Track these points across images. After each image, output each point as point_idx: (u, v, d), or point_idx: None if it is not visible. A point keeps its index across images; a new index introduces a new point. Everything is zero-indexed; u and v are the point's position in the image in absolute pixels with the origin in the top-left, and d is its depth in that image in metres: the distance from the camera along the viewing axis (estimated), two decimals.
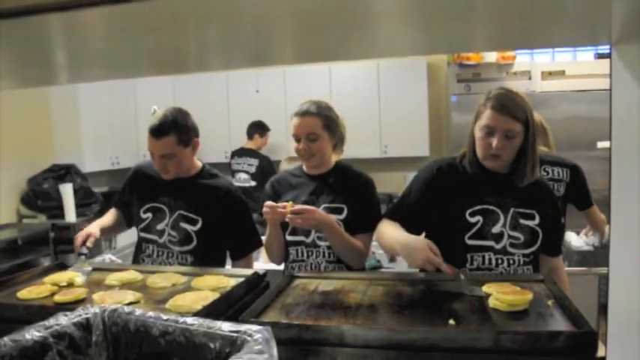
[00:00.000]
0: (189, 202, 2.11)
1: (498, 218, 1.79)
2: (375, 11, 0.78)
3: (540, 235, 1.81)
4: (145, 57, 1.15)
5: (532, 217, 1.81)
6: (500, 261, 1.78)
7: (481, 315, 1.35)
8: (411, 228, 1.81)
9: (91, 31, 0.84)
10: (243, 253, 2.19)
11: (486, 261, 1.78)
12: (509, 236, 1.78)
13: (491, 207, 1.80)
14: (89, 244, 2.03)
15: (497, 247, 1.78)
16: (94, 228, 2.13)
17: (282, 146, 5.57)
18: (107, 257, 2.69)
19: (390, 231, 1.83)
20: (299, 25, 0.87)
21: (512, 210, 1.80)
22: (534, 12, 0.79)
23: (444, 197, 1.85)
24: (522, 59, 4.98)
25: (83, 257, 1.98)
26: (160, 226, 2.11)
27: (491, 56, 4.88)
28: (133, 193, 2.24)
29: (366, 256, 2.13)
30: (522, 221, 1.80)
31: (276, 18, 0.79)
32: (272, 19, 0.81)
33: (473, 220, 1.79)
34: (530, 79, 4.90)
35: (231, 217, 2.15)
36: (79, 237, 2.05)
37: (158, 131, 2.03)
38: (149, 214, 2.13)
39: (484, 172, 1.85)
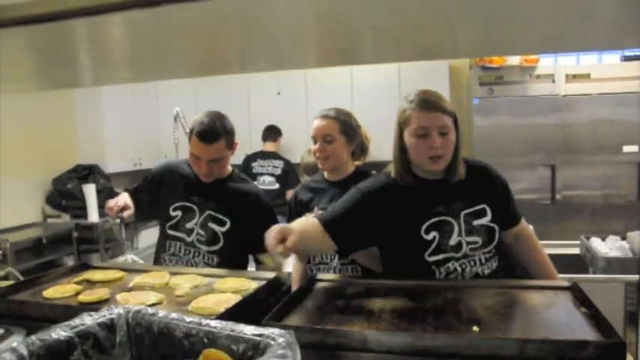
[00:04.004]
0: (219, 204, 2.15)
1: (453, 228, 1.74)
2: (398, 15, 0.77)
3: (496, 229, 1.78)
4: (169, 60, 1.16)
5: (484, 214, 1.77)
6: (464, 266, 1.74)
7: (506, 322, 1.33)
8: (344, 242, 1.76)
9: (118, 35, 0.85)
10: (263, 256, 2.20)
11: (451, 269, 1.74)
12: (467, 242, 1.75)
13: (443, 217, 1.75)
14: (126, 215, 2.07)
15: (458, 255, 1.74)
16: (128, 199, 2.17)
17: (303, 148, 5.56)
18: (129, 257, 2.71)
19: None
20: (323, 29, 0.86)
21: (462, 214, 1.75)
22: (561, 16, 0.78)
23: (391, 216, 1.77)
24: (546, 62, 4.89)
25: (118, 221, 2.03)
26: (189, 225, 2.13)
27: (515, 59, 4.81)
28: (162, 189, 2.26)
29: None
30: (475, 222, 1.76)
31: (300, 21, 0.79)
32: (296, 23, 0.80)
33: (429, 237, 1.74)
34: (553, 82, 4.81)
35: (259, 222, 2.13)
36: (115, 207, 2.07)
37: (210, 137, 2.06)
38: (179, 212, 2.16)
39: (422, 183, 1.79)
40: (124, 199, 2.14)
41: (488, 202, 1.79)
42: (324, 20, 0.79)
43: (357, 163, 2.23)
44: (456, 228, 1.75)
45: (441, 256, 1.74)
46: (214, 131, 2.06)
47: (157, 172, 2.31)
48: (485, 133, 4.84)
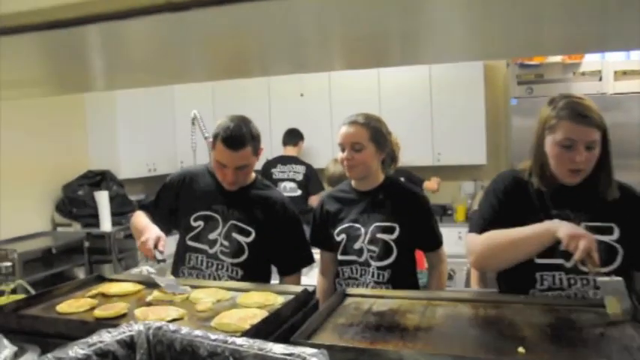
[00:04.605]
0: (244, 213, 2.14)
1: None
2: (430, 15, 0.76)
3: (620, 252, 1.72)
4: (189, 64, 1.17)
5: (609, 232, 1.74)
6: (572, 281, 1.71)
7: (554, 343, 1.30)
8: None
9: (138, 39, 0.85)
10: (293, 269, 2.21)
11: (557, 281, 1.72)
12: None
13: None
14: (161, 247, 1.97)
15: (568, 265, 1.71)
16: (157, 229, 2.07)
17: (326, 153, 5.57)
18: (145, 269, 2.73)
19: (501, 232, 1.76)
20: (350, 32, 0.86)
21: (583, 225, 1.71)
22: (608, 12, 0.76)
23: (515, 212, 1.79)
24: (592, 58, 4.79)
25: (163, 264, 1.91)
26: (212, 236, 2.12)
27: (556, 55, 4.75)
28: (180, 198, 2.25)
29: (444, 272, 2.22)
30: (598, 237, 1.71)
31: (325, 24, 0.79)
32: (321, 25, 0.80)
33: None
34: (600, 79, 4.72)
35: (285, 232, 2.18)
36: (149, 241, 1.96)
37: (237, 143, 2.04)
38: (200, 223, 2.15)
39: (555, 186, 1.79)
40: (152, 232, 2.03)
41: (619, 222, 1.75)
42: (350, 21, 0.78)
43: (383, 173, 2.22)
44: None
45: (551, 261, 1.72)
46: (241, 137, 2.04)
47: (175, 181, 2.29)
48: (523, 135, 4.75)
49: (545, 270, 1.73)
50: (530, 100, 4.85)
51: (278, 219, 2.16)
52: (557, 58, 4.77)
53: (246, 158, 2.08)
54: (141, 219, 2.21)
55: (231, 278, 2.08)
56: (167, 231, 2.25)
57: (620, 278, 1.49)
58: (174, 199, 2.26)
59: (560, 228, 1.58)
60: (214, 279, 2.08)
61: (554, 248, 1.70)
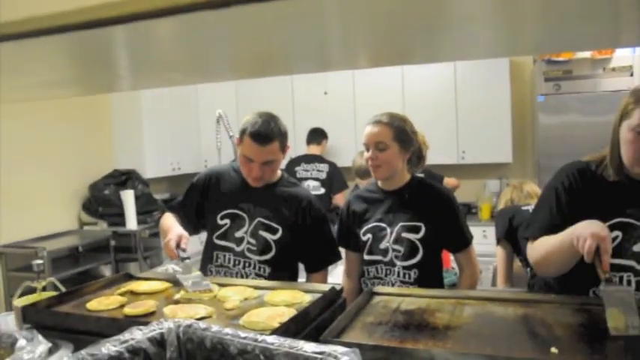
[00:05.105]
0: (270, 210, 2.15)
1: None
2: (455, 10, 0.75)
3: None
4: (214, 63, 1.17)
5: None
6: None
7: (588, 344, 1.28)
8: None
9: (163, 39, 0.86)
10: (319, 266, 2.22)
11: (624, 283, 1.64)
12: None
13: (634, 221, 1.66)
14: (184, 245, 1.99)
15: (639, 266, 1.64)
16: (180, 228, 2.10)
17: (350, 152, 5.56)
18: (170, 267, 2.75)
19: (547, 240, 1.68)
20: (374, 28, 0.85)
21: None
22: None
23: (580, 208, 1.69)
24: (622, 53, 4.68)
25: (188, 261, 1.93)
26: (238, 234, 2.14)
27: (586, 51, 4.67)
28: (207, 198, 2.26)
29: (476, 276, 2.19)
30: None
31: (350, 20, 0.78)
32: (346, 22, 0.80)
33: (611, 235, 1.62)
34: (632, 75, 4.60)
35: (312, 229, 2.18)
36: (171, 241, 1.99)
37: (264, 137, 2.06)
38: (227, 221, 2.17)
39: (629, 181, 1.70)
40: (174, 232, 2.05)
41: None
42: (375, 18, 0.78)
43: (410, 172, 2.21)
44: None
45: (618, 261, 1.63)
46: (269, 132, 2.07)
47: (201, 180, 2.31)
48: (551, 133, 4.71)
49: (612, 270, 1.59)
50: (557, 97, 4.78)
51: (305, 217, 2.17)
52: (587, 54, 4.68)
53: (273, 153, 2.10)
54: (167, 221, 2.24)
55: (259, 276, 2.09)
56: (195, 231, 2.28)
57: (630, 288, 1.36)
58: (201, 199, 2.28)
59: (577, 228, 1.51)
60: (242, 277, 2.09)
61: (624, 248, 1.65)
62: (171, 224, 2.16)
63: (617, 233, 1.65)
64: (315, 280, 2.15)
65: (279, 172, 2.26)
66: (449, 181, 4.92)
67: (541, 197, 1.85)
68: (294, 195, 2.21)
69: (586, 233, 1.45)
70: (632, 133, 1.62)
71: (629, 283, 1.64)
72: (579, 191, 1.73)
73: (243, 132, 2.09)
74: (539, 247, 1.70)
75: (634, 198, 1.69)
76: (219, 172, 2.32)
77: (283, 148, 2.14)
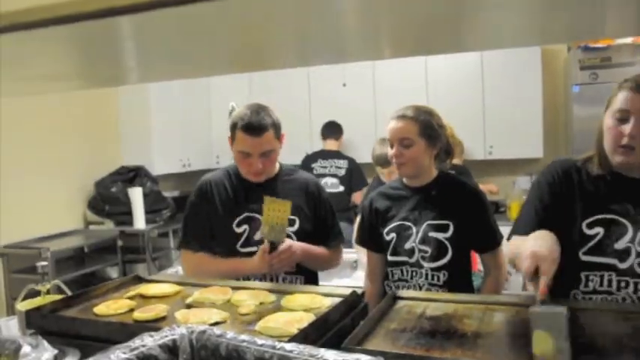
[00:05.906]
0: None
1: (625, 231, 1.65)
2: None
3: None
4: (224, 54, 1.17)
5: None
6: (623, 284, 1.64)
7: (632, 354, 1.26)
8: None
9: (171, 30, 0.86)
10: (335, 243, 2.32)
11: (605, 283, 1.65)
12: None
13: (617, 217, 1.66)
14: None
15: (622, 266, 1.64)
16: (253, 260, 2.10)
17: (370, 147, 5.54)
18: (180, 269, 2.77)
19: (515, 242, 1.72)
20: (396, 17, 0.84)
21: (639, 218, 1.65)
22: None
23: (563, 205, 1.74)
24: None
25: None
26: (257, 236, 2.15)
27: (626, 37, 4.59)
28: (211, 210, 2.22)
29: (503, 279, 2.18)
30: None
31: (370, 8, 0.77)
32: (365, 10, 0.79)
33: (591, 232, 1.67)
34: None
35: (322, 214, 2.27)
36: (272, 257, 2.04)
37: (258, 128, 2.09)
38: (245, 227, 2.18)
39: (613, 175, 1.71)
40: (260, 260, 2.06)
41: None
42: (397, 5, 0.77)
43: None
44: (630, 233, 1.64)
45: (599, 259, 1.66)
46: (261, 121, 2.09)
47: (198, 196, 2.27)
48: (587, 126, 4.59)
49: (592, 269, 1.67)
50: (594, 86, 4.70)
51: (314, 200, 2.26)
52: (628, 40, 4.59)
53: (270, 142, 2.12)
54: (214, 265, 2.18)
55: (285, 273, 2.14)
56: (209, 249, 2.23)
57: (562, 309, 1.24)
58: (206, 219, 2.24)
59: (525, 242, 1.48)
60: (271, 280, 2.11)
61: (605, 245, 1.65)
62: (236, 264, 2.15)
63: (599, 230, 1.67)
64: (337, 254, 2.34)
65: (277, 164, 2.30)
66: (486, 187, 4.84)
67: (528, 195, 1.88)
68: (299, 181, 2.31)
69: (527, 252, 1.41)
70: (612, 119, 1.65)
71: (609, 282, 1.65)
72: (561, 188, 1.77)
73: (233, 127, 2.12)
74: (512, 248, 1.74)
75: (618, 193, 1.70)
76: (211, 181, 2.28)
77: (278, 136, 2.18)
